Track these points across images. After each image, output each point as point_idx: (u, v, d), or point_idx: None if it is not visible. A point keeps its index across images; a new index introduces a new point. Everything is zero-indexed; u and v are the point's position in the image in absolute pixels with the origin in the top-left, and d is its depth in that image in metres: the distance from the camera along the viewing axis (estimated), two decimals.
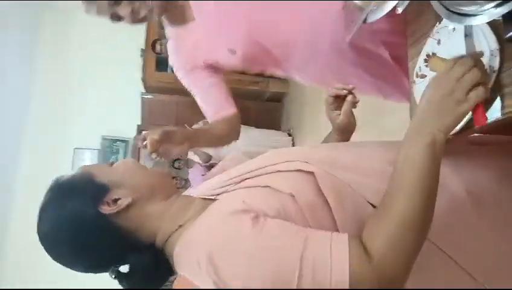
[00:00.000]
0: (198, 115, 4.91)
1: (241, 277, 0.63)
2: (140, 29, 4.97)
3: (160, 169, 0.92)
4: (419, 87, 0.97)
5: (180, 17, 1.29)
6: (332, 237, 0.65)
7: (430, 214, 0.66)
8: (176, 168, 5.47)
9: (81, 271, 0.81)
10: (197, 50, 1.31)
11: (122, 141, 5.45)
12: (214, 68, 1.35)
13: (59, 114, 5.22)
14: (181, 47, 1.35)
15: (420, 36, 0.95)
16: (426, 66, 0.93)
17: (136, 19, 1.14)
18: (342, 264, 0.61)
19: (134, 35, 4.91)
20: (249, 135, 4.67)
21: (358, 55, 1.22)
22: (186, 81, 1.38)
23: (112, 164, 0.89)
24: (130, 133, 5.45)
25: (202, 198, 0.81)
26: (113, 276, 0.79)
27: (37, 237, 0.80)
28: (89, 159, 5.34)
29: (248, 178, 0.79)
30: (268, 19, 1.21)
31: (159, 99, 5.25)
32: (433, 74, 0.79)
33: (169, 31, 1.35)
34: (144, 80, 5.06)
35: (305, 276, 0.61)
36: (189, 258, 0.70)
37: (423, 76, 0.96)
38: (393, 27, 1.13)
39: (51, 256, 0.79)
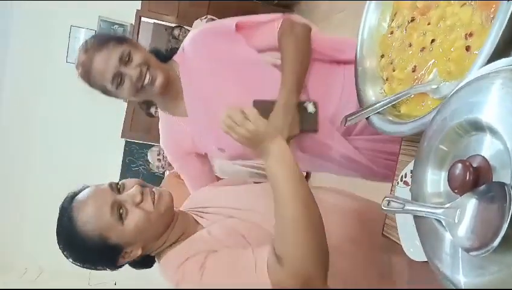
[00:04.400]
0: (200, 6, 4.69)
1: None
2: None
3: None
4: (400, 191, 1.00)
5: (173, 109, 1.30)
6: (255, 254, 0.82)
7: (313, 211, 0.82)
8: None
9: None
10: (186, 140, 1.31)
11: (121, 25, 5.21)
12: (203, 157, 1.37)
13: None
14: (171, 133, 1.34)
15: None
16: (412, 176, 0.94)
17: (137, 86, 1.15)
18: (263, 272, 0.78)
19: None
20: None
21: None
22: (175, 166, 1.40)
23: (120, 214, 0.91)
24: (128, 17, 5.20)
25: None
26: None
27: None
28: (84, 39, 5.17)
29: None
30: None
31: None
32: None
33: (161, 115, 1.34)
34: None
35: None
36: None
37: (407, 183, 0.98)
38: None
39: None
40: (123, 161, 5.48)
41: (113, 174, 5.24)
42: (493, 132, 0.50)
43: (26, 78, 5.01)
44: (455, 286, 0.54)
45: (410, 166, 0.97)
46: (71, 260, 0.93)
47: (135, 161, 5.44)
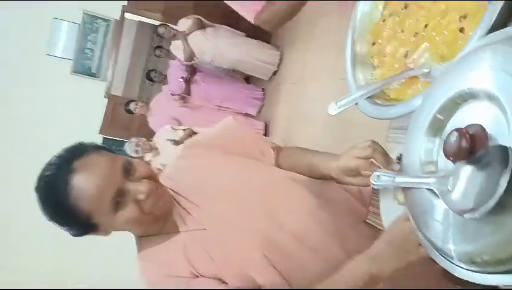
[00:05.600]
0: (186, 4, 4.61)
1: None
2: None
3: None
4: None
5: None
6: None
7: None
8: (156, 56, 5.31)
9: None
10: None
11: (105, 20, 5.14)
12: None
13: None
14: None
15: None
16: (398, 162, 0.94)
17: None
18: None
19: None
20: (237, 42, 4.50)
21: None
22: None
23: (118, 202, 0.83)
24: (113, 13, 5.14)
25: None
26: None
27: None
28: (66, 32, 5.08)
29: None
30: None
31: None
32: None
33: None
34: None
35: None
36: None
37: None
38: None
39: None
40: None
41: None
42: (492, 99, 0.50)
43: (5, 69, 4.87)
44: (445, 255, 0.54)
45: (396, 152, 0.97)
46: (41, 208, 0.84)
47: None
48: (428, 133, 0.56)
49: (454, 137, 0.51)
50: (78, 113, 5.02)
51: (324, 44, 3.61)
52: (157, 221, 0.91)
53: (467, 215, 0.47)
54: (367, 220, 1.00)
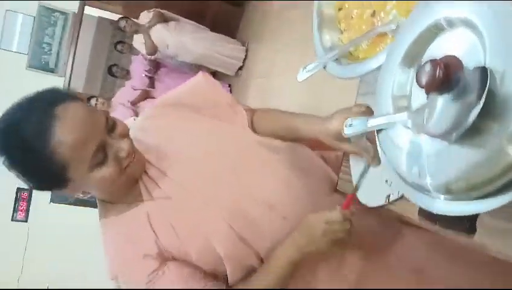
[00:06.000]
0: (149, 3, 4.46)
1: None
2: None
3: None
4: None
5: None
6: None
7: None
8: (118, 51, 5.17)
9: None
10: None
11: (62, 13, 4.95)
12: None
13: None
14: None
15: None
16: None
17: None
18: None
19: None
20: (201, 36, 4.43)
21: None
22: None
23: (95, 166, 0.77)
24: (71, 5, 4.95)
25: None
26: None
27: None
28: (20, 25, 4.86)
29: None
30: None
31: None
32: None
33: None
34: None
35: None
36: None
37: None
38: None
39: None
40: None
41: None
42: (467, 25, 0.49)
43: None
44: (423, 190, 0.52)
45: None
46: (3, 158, 0.75)
47: None
48: (403, 63, 0.55)
49: (428, 67, 0.49)
50: None
51: (292, 38, 3.62)
52: (127, 186, 0.87)
53: (443, 139, 0.45)
54: (338, 188, 0.98)
